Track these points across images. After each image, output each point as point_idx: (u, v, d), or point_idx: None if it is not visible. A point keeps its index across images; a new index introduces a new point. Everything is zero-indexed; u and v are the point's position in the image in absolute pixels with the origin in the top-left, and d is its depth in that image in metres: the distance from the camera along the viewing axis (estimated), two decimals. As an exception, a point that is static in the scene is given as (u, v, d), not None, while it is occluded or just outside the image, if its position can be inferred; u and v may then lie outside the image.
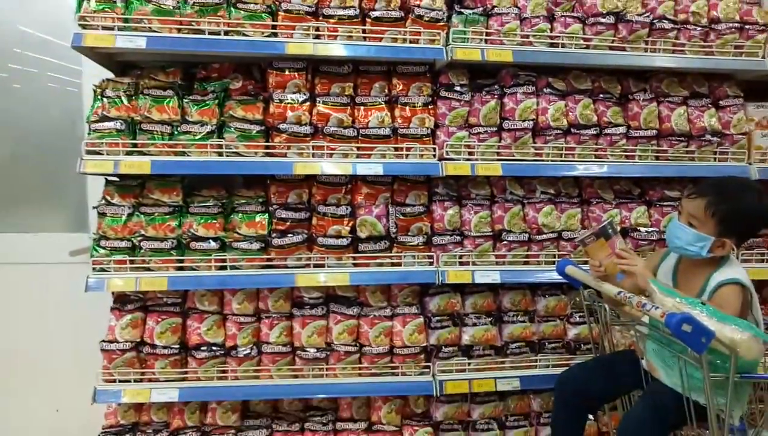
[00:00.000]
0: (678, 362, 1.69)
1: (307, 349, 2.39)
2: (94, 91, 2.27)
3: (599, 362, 2.11)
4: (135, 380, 2.33)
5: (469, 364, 2.49)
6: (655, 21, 2.39)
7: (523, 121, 2.38)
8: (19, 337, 2.93)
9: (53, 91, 2.88)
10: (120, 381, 2.32)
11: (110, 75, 2.43)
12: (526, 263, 2.49)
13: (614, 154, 2.47)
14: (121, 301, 2.39)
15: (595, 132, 2.44)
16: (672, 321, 1.49)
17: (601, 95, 2.49)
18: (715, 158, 2.54)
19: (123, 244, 2.27)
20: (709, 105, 2.53)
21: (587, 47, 2.38)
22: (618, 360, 2.05)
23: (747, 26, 2.46)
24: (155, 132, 2.23)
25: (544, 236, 2.48)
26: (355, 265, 2.39)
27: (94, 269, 2.25)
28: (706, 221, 1.76)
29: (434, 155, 2.37)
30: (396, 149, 2.35)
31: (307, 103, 2.31)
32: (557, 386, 2.08)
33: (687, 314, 1.50)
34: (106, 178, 2.41)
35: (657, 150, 2.50)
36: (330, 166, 2.27)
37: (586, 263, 2.08)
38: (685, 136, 2.50)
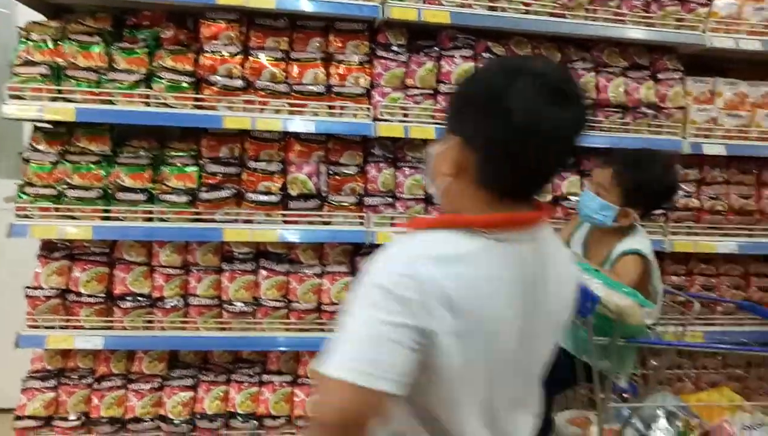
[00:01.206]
0: (572, 326, 1.74)
1: (235, 302, 2.42)
2: (20, 34, 2.22)
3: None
4: (59, 327, 2.35)
5: (397, 324, 2.54)
6: (597, -11, 2.36)
7: (459, 85, 2.37)
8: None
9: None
10: (44, 327, 2.34)
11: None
12: (457, 227, 2.52)
13: (549, 122, 2.47)
14: (48, 248, 2.39)
15: (530, 99, 2.43)
16: (559, 285, 1.53)
17: (540, 62, 2.48)
18: (649, 131, 2.55)
19: (48, 191, 2.25)
20: (648, 77, 2.52)
21: (527, 12, 2.35)
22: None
23: (689, -1, 2.44)
24: (81, 79, 2.19)
25: (476, 202, 2.49)
26: (285, 222, 2.40)
27: (18, 215, 2.24)
28: (611, 189, 1.79)
29: (368, 115, 2.35)
30: (330, 107, 2.34)
31: (240, 56, 2.27)
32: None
33: (574, 279, 1.54)
34: (34, 125, 2.38)
35: (592, 120, 2.50)
36: (260, 122, 2.25)
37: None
38: (622, 107, 2.51)
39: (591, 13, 2.40)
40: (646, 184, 1.77)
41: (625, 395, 1.85)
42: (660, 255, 2.75)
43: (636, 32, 2.41)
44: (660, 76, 2.54)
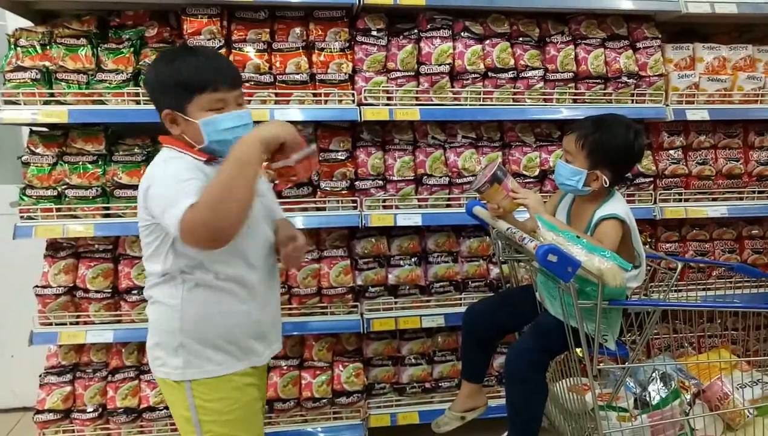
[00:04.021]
0: (559, 292, 1.79)
1: (236, 291, 2.49)
2: (9, 41, 2.29)
3: (502, 296, 2.22)
4: (70, 323, 2.44)
5: (395, 303, 2.61)
6: (569, -39, 2.39)
7: (440, 65, 2.41)
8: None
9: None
10: (56, 324, 2.43)
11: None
12: (448, 205, 2.57)
13: (532, 97, 2.51)
14: (53, 248, 2.48)
15: (512, 75, 2.47)
16: (539, 252, 1.58)
17: (520, 39, 2.52)
18: (632, 100, 2.59)
19: (49, 192, 2.33)
20: (627, 47, 2.55)
21: (501, -12, 2.39)
22: (519, 294, 2.16)
23: (662, -34, 2.46)
24: (71, 81, 2.25)
25: (465, 180, 2.55)
26: (279, 210, 2.46)
27: (21, 217, 2.33)
28: (577, 154, 1.84)
29: (353, 101, 2.40)
30: (315, 95, 2.39)
31: (223, 50, 2.32)
32: (463, 319, 2.20)
33: (553, 245, 1.59)
34: (30, 129, 2.45)
35: (575, 93, 2.54)
36: (247, 113, 2.30)
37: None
38: (602, 78, 2.54)
39: (566, -14, 2.43)
40: (608, 143, 1.82)
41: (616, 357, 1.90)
42: (652, 222, 2.81)
43: (612, 2, 2.44)
44: (639, 45, 2.57)
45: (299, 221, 2.42)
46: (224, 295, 1.54)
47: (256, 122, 2.38)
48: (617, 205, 1.85)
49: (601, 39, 2.55)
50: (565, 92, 2.53)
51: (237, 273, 1.54)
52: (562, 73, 2.51)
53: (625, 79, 2.54)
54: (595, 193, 1.89)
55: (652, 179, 2.70)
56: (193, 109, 1.48)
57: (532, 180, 2.60)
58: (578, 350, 1.81)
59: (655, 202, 2.69)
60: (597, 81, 2.54)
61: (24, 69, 2.24)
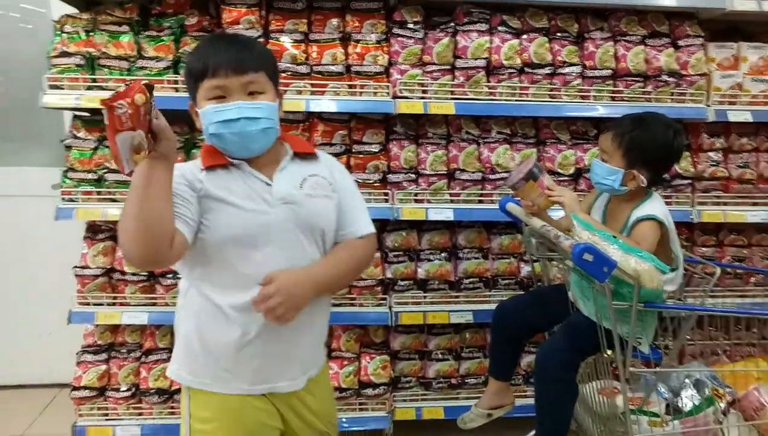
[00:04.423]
0: (593, 292, 1.77)
1: (266, 279, 2.53)
2: (54, 27, 2.35)
3: (533, 294, 2.20)
4: (107, 304, 2.50)
5: (424, 297, 2.61)
6: (612, -44, 2.34)
7: (476, 59, 2.39)
8: (9, 265, 3.13)
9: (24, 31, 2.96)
10: (93, 304, 2.50)
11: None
12: (480, 201, 2.56)
13: (569, 94, 2.47)
14: (92, 230, 2.54)
15: (549, 71, 2.44)
16: (575, 251, 1.56)
17: (558, 34, 2.48)
18: (672, 99, 2.52)
19: (89, 176, 2.40)
20: (668, 45, 2.49)
21: (541, -17, 2.36)
22: (551, 293, 2.14)
23: (708, -39, 2.39)
24: (113, 67, 2.30)
25: (497, 176, 2.53)
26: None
27: (63, 199, 2.39)
28: (614, 152, 1.81)
29: (388, 93, 2.40)
30: (350, 87, 2.39)
31: (261, 40, 2.34)
32: (494, 316, 2.19)
33: (589, 244, 1.57)
34: (73, 114, 2.52)
35: (613, 90, 2.49)
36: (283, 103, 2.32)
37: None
38: (642, 76, 2.49)
39: (609, -19, 2.38)
40: (644, 142, 1.78)
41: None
42: (689, 225, 2.75)
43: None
44: (680, 43, 2.51)
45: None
46: (216, 308, 1.37)
47: (291, 113, 2.44)
48: (655, 206, 1.82)
49: (642, 36, 2.49)
50: (603, 90, 2.48)
51: (231, 298, 1.35)
52: (600, 70, 2.46)
53: (665, 77, 2.48)
54: (631, 193, 1.86)
55: (690, 181, 2.63)
56: (200, 99, 1.37)
57: (566, 178, 2.56)
58: (609, 351, 1.79)
59: (692, 205, 2.63)
60: (636, 79, 2.48)
61: (68, 54, 2.30)
